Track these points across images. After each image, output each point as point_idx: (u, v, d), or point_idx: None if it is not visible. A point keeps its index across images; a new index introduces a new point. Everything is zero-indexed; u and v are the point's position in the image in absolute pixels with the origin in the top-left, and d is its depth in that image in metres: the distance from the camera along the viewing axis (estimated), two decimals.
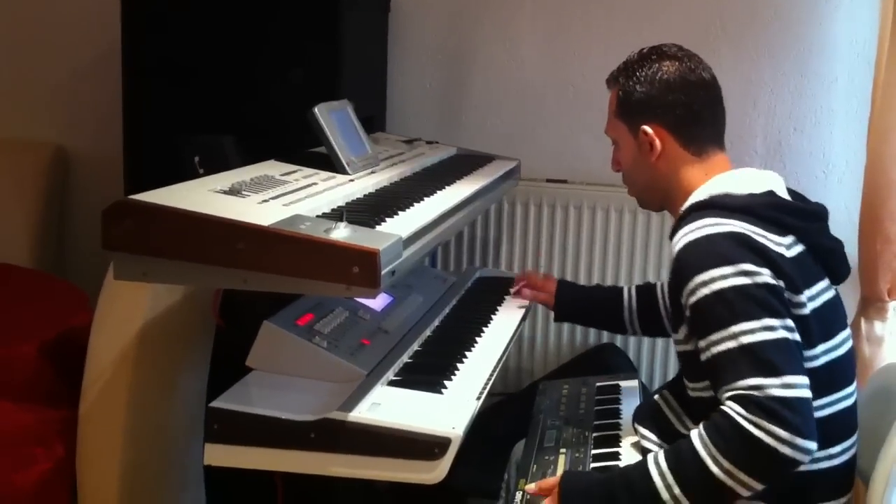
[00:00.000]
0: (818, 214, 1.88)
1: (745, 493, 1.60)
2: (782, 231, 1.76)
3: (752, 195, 1.80)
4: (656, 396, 1.98)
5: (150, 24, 2.75)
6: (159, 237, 1.53)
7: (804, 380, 1.61)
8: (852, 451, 1.83)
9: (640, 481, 1.64)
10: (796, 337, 1.67)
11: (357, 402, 1.66)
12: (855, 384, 1.84)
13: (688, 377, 1.83)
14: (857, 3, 2.88)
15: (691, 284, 1.70)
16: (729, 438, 1.58)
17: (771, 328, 1.63)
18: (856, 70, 2.90)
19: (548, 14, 3.09)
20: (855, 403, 1.83)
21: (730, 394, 1.61)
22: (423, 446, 1.59)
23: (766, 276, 1.67)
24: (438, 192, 2.13)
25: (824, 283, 1.81)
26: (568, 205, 3.03)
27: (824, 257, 1.83)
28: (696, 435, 1.63)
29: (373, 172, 2.16)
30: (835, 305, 1.83)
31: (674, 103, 1.88)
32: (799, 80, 2.96)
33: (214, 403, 1.65)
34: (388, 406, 1.67)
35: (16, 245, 3.19)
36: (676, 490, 1.61)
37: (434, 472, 1.59)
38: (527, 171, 2.91)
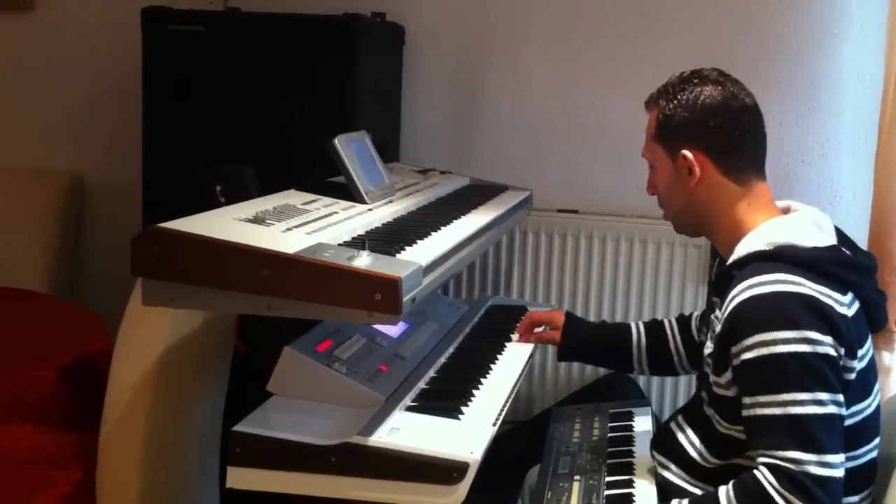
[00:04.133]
0: (873, 268, 1.85)
1: None
2: (844, 289, 1.74)
3: (817, 248, 1.76)
4: (672, 424, 1.98)
5: (170, 53, 2.80)
6: (187, 264, 1.56)
7: (841, 458, 1.62)
8: (869, 501, 1.83)
9: None
10: (843, 412, 1.66)
11: (376, 426, 1.69)
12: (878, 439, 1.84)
13: (722, 416, 1.80)
14: (863, 38, 2.92)
15: (750, 341, 1.67)
16: None
17: (821, 402, 1.62)
18: (862, 103, 2.93)
19: (556, 45, 3.13)
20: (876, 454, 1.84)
21: (766, 460, 1.61)
22: (442, 471, 1.61)
23: (827, 345, 1.65)
24: (455, 221, 2.16)
25: (870, 339, 1.80)
26: (579, 235, 3.06)
27: (871, 310, 1.81)
28: (724, 494, 1.64)
29: (390, 202, 2.20)
30: (873, 358, 1.82)
31: (716, 128, 1.85)
32: (807, 113, 2.99)
33: (237, 427, 1.68)
34: (406, 431, 1.70)
35: (32, 271, 3.23)
36: None
37: (452, 496, 1.61)
38: (538, 202, 2.95)
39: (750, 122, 1.88)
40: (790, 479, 1.58)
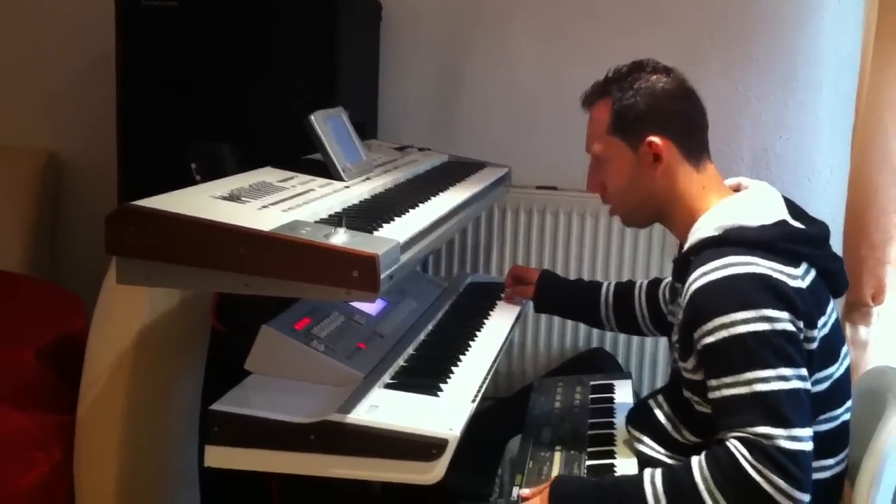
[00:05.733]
0: (824, 238, 1.88)
1: None
2: (796, 262, 1.76)
3: (764, 227, 1.79)
4: (650, 401, 2.00)
5: (145, 31, 2.76)
6: (162, 242, 1.55)
7: (810, 432, 1.64)
8: (844, 465, 1.86)
9: (632, 497, 1.67)
10: (808, 386, 1.68)
11: (355, 404, 1.69)
12: (850, 402, 1.87)
13: (699, 397, 1.82)
14: (842, 14, 2.93)
15: (709, 325, 1.69)
16: (729, 477, 1.61)
17: (785, 378, 1.64)
18: (841, 78, 2.95)
19: (539, 23, 3.13)
20: (849, 416, 1.87)
21: (737, 434, 1.63)
22: (421, 447, 1.61)
23: (785, 321, 1.67)
24: (432, 198, 2.16)
25: (832, 304, 1.82)
26: (558, 211, 3.07)
27: (829, 278, 1.83)
28: (697, 465, 1.65)
29: (367, 179, 2.19)
30: (837, 324, 1.84)
31: (677, 113, 1.88)
32: (785, 89, 3.00)
33: (214, 406, 1.67)
34: (385, 408, 1.70)
35: (9, 251, 3.19)
36: None
37: (432, 472, 1.62)
38: (517, 179, 2.94)
39: (700, 105, 1.92)
40: (762, 451, 1.60)
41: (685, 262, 1.82)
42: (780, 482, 1.58)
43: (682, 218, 1.88)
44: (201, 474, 2.38)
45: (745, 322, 1.66)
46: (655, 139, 1.86)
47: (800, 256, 1.77)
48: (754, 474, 1.59)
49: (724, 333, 1.67)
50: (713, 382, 1.69)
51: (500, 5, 3.15)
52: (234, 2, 2.75)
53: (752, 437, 1.61)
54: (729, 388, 1.66)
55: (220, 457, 1.67)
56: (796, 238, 1.80)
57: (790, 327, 1.67)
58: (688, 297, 1.75)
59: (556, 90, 3.11)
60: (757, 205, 1.85)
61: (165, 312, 2.09)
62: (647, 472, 1.70)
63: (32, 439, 2.19)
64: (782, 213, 1.84)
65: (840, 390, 1.83)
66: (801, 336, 1.70)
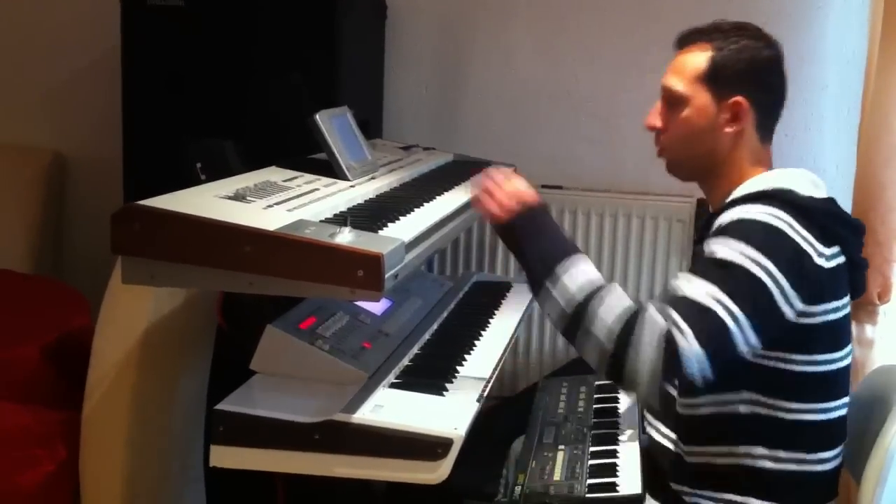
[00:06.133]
0: (862, 230, 1.88)
1: (593, 352, 1.66)
2: (829, 241, 1.76)
3: (812, 198, 1.79)
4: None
5: (150, 30, 2.76)
6: (167, 241, 1.56)
7: (700, 351, 1.62)
8: (839, 460, 1.86)
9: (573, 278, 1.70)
10: (740, 340, 1.65)
11: (360, 403, 1.69)
12: (847, 398, 1.87)
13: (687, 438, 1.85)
14: (847, 12, 2.92)
15: (714, 241, 1.71)
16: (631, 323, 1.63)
17: (731, 312, 1.62)
18: (846, 77, 2.94)
19: (542, 20, 3.12)
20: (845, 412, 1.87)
21: (660, 307, 1.64)
22: (426, 447, 1.61)
23: (777, 283, 1.66)
24: (437, 197, 2.16)
25: (847, 298, 1.82)
26: (563, 210, 3.06)
27: (854, 274, 1.83)
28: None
29: (373, 178, 2.19)
30: (848, 320, 1.84)
31: (769, 86, 1.88)
32: (790, 87, 2.96)
33: (220, 406, 1.67)
34: (390, 408, 1.70)
35: (14, 250, 3.20)
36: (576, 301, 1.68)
37: (437, 472, 1.61)
38: None
39: (786, 87, 1.92)
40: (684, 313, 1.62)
41: (720, 214, 1.81)
42: (690, 337, 1.59)
43: (726, 183, 1.87)
44: (207, 473, 2.38)
45: (742, 255, 1.66)
46: (742, 100, 1.84)
47: (836, 238, 1.77)
48: (668, 324, 1.61)
49: (718, 250, 1.68)
50: (679, 275, 1.71)
51: (506, 4, 3.14)
52: (241, 1, 2.75)
53: (669, 314, 1.62)
54: (688, 283, 1.67)
55: (226, 456, 1.66)
56: (838, 218, 1.81)
57: (775, 291, 1.66)
58: (714, 227, 1.76)
59: (562, 89, 3.11)
60: (809, 180, 1.85)
61: (171, 312, 2.10)
62: (588, 281, 1.72)
63: (35, 437, 2.20)
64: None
65: (840, 382, 1.82)
66: (788, 312, 1.69)
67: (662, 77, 1.93)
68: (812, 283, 1.70)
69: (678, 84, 1.88)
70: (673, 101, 1.89)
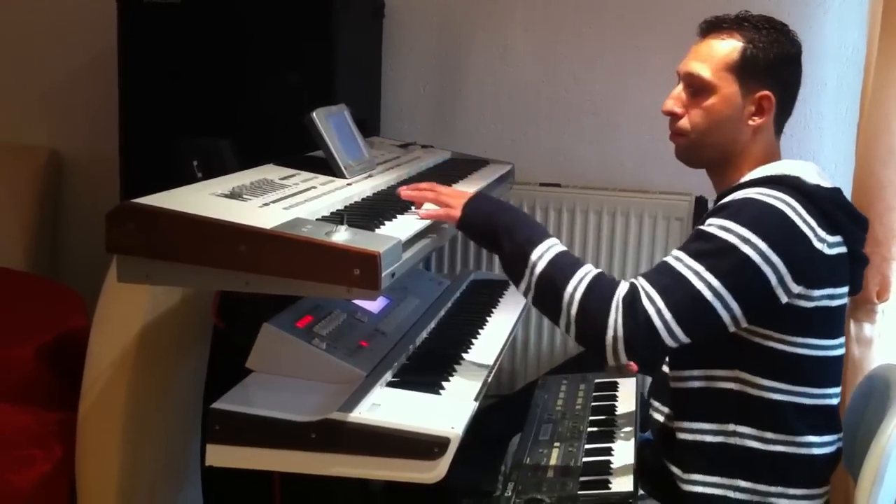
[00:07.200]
0: (865, 225, 1.89)
1: (560, 315, 1.70)
2: (832, 229, 1.77)
3: (819, 186, 1.80)
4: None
5: (146, 28, 2.76)
6: (162, 240, 1.54)
7: (680, 332, 1.67)
8: (831, 448, 1.87)
9: (522, 244, 1.76)
10: (727, 315, 1.69)
11: (357, 402, 1.68)
12: (839, 388, 1.89)
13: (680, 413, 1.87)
14: (846, 9, 2.92)
15: (715, 218, 1.73)
16: (598, 297, 1.68)
17: (716, 292, 1.66)
18: (845, 74, 2.94)
19: (540, 19, 3.12)
20: (837, 401, 1.88)
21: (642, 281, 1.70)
22: (423, 446, 1.60)
23: (772, 266, 1.68)
24: None
25: (845, 288, 1.83)
26: (561, 208, 3.05)
27: (855, 268, 1.85)
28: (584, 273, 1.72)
29: (370, 176, 2.18)
30: (843, 311, 1.85)
31: (793, 82, 1.90)
32: None
33: (216, 405, 1.66)
34: (387, 406, 1.69)
35: (10, 249, 3.20)
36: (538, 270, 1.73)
37: (434, 471, 1.61)
38: (520, 175, 2.93)
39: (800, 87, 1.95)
40: (633, 302, 1.67)
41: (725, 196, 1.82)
42: (635, 325, 1.64)
43: (736, 173, 1.88)
44: (203, 472, 2.38)
45: (738, 237, 1.69)
46: (770, 94, 1.85)
47: (838, 226, 1.78)
48: (612, 309, 1.65)
49: (716, 231, 1.71)
50: (672, 252, 1.74)
51: (504, 2, 3.13)
52: None
53: (639, 287, 1.68)
54: (674, 259, 1.72)
55: (222, 456, 1.66)
56: (843, 208, 1.82)
57: (769, 273, 1.69)
58: (715, 206, 1.79)
59: (560, 87, 3.11)
60: (816, 170, 1.87)
61: (167, 311, 2.09)
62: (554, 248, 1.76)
63: (31, 437, 2.19)
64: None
65: (830, 369, 1.84)
66: (779, 290, 1.70)
67: (683, 62, 1.92)
68: (810, 266, 1.72)
69: (705, 71, 1.87)
70: (697, 88, 1.88)
